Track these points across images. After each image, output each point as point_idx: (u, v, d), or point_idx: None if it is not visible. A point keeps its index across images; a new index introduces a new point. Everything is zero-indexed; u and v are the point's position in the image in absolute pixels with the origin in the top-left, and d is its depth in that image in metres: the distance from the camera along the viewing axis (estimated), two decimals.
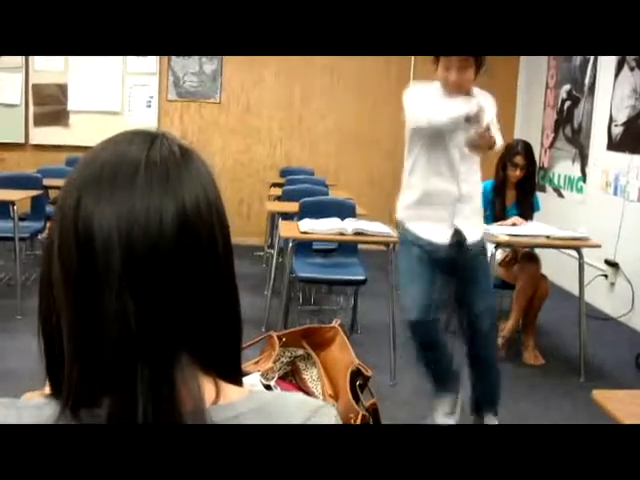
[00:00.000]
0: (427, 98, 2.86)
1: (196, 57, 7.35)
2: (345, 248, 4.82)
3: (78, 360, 0.67)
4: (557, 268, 5.50)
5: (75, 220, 0.68)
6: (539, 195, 4.72)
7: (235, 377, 0.75)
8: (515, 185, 4.53)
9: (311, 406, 0.74)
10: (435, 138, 2.84)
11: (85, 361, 0.67)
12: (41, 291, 0.72)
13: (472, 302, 3.02)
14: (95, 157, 0.72)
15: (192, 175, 0.71)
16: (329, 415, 0.75)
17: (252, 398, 0.73)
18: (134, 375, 0.65)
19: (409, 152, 2.97)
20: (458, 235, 2.93)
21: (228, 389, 0.72)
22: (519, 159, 4.45)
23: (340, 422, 0.76)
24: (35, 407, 0.70)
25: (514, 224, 4.34)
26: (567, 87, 6.60)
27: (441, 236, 2.90)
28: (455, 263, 2.97)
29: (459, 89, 2.80)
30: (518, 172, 4.46)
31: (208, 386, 0.70)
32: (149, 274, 0.67)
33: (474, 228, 2.98)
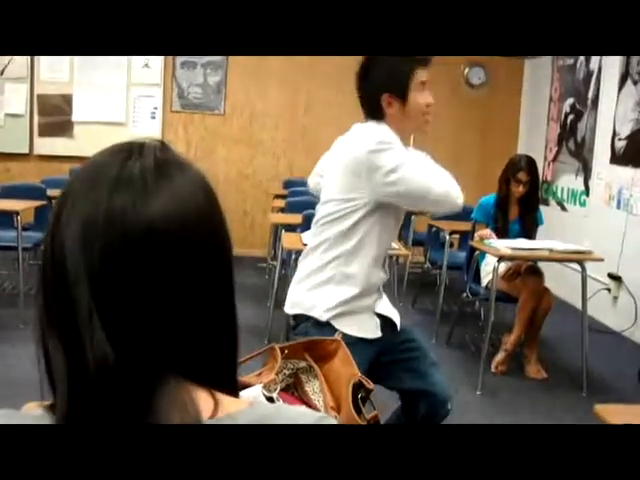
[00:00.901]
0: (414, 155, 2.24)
1: (200, 68, 7.38)
2: None
3: (66, 381, 0.67)
4: (560, 282, 5.50)
5: (52, 237, 0.68)
6: (542, 209, 4.72)
7: (231, 389, 0.75)
8: (518, 200, 4.52)
9: (311, 418, 0.74)
10: (393, 214, 2.27)
11: (72, 384, 0.66)
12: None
13: (430, 381, 2.40)
14: (78, 172, 0.72)
15: (170, 189, 0.69)
16: None
17: (252, 410, 0.72)
18: (119, 401, 0.65)
19: (352, 230, 2.21)
20: (388, 323, 2.37)
21: (227, 401, 0.71)
22: (522, 175, 4.43)
23: None
24: (33, 419, 0.70)
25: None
26: (571, 100, 6.61)
27: (372, 329, 2.31)
28: (388, 350, 2.37)
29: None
30: (521, 188, 4.44)
31: (206, 399, 0.70)
32: (121, 297, 0.66)
33: (393, 309, 2.44)
